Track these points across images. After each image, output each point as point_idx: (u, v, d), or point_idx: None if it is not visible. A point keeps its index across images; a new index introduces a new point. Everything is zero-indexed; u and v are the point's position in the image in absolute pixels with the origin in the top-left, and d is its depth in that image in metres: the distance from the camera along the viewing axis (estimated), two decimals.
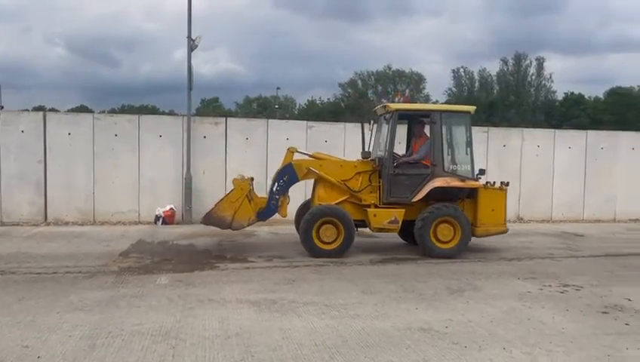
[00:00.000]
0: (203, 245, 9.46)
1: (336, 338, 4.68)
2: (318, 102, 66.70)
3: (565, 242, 10.51)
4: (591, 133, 15.14)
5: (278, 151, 12.85)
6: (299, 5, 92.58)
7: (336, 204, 8.73)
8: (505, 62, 65.28)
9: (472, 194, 8.93)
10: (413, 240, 9.07)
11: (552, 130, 15.58)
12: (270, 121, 13.78)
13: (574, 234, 11.46)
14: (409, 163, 8.86)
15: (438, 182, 8.58)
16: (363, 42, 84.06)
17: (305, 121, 14.01)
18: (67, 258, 8.14)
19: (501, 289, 6.60)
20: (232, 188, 8.76)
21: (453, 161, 8.91)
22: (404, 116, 9.20)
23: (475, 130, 14.46)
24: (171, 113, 39.08)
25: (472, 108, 9.28)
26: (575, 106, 56.35)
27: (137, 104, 61.62)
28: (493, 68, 68.69)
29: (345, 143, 13.21)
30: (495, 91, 64.19)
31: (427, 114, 9.01)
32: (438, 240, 8.56)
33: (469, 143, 9.03)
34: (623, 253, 9.36)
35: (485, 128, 14.72)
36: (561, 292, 6.45)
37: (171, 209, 12.28)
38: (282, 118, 43.20)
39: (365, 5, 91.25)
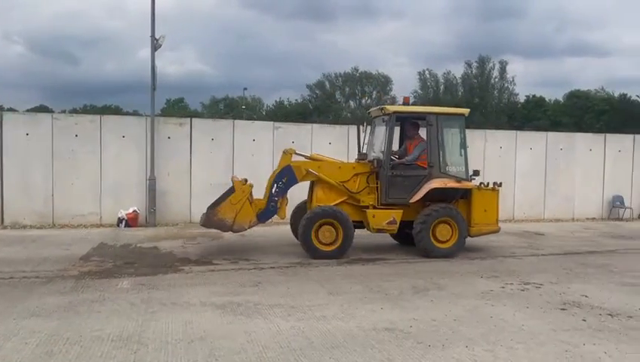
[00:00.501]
0: (167, 248, 9.30)
1: (301, 340, 4.66)
2: (286, 103, 66.59)
3: (527, 241, 10.77)
4: (551, 134, 15.58)
5: (245, 152, 12.85)
6: (266, 6, 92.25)
7: (335, 205, 8.76)
8: (469, 65, 66.56)
9: (466, 194, 9.13)
10: (406, 241, 9.34)
11: (514, 131, 15.95)
12: (236, 121, 13.67)
13: (535, 233, 11.75)
14: (404, 164, 8.98)
15: (436, 183, 8.74)
16: (330, 43, 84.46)
17: (272, 122, 13.96)
18: (24, 262, 7.87)
19: (465, 287, 6.71)
20: (231, 188, 8.68)
21: (449, 163, 9.09)
22: (400, 118, 9.26)
23: None
24: (135, 113, 38.39)
25: (466, 111, 9.54)
26: (536, 109, 57.92)
27: (100, 104, 60.25)
28: (458, 70, 70.00)
29: (312, 144, 13.20)
30: (460, 93, 65.38)
31: (424, 116, 9.11)
32: (437, 240, 8.71)
33: (463, 145, 9.26)
34: (581, 251, 9.65)
35: None
36: (522, 290, 6.59)
37: (134, 211, 12.04)
38: (249, 118, 42.97)
39: (332, 6, 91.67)
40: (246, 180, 8.78)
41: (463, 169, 9.13)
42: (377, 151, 9.32)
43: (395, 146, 9.81)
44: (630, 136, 15.83)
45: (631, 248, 10.17)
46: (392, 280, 7.03)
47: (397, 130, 9.88)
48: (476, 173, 9.25)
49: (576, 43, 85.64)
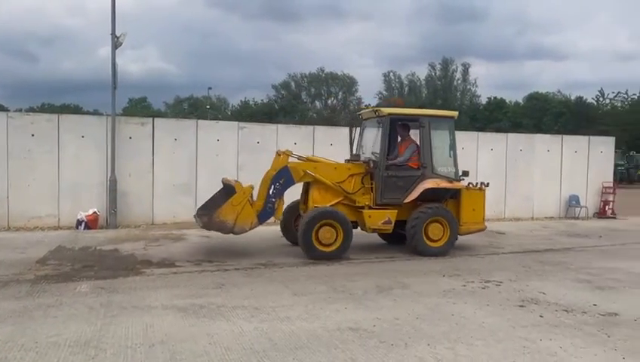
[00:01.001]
0: (128, 250, 9.10)
1: (264, 342, 4.64)
2: (251, 103, 66.18)
3: (488, 240, 10.99)
4: (511, 135, 15.96)
5: (209, 152, 12.70)
6: (231, 5, 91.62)
7: (331, 205, 8.83)
8: (433, 67, 67.75)
9: (455, 194, 9.37)
10: (394, 240, 9.60)
11: (476, 132, 16.29)
12: (200, 121, 13.48)
13: (496, 232, 12.01)
14: (395, 165, 9.10)
15: (429, 184, 8.96)
16: (296, 44, 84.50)
17: (236, 122, 13.83)
18: None
19: (428, 286, 6.80)
20: (221, 189, 8.75)
21: (440, 163, 9.31)
22: (394, 120, 9.34)
23: None
24: (95, 113, 37.43)
25: (455, 114, 9.84)
26: (497, 110, 59.34)
27: (58, 103, 58.55)
28: (422, 72, 71.07)
29: (277, 145, 13.13)
30: (424, 95, 66.35)
31: (417, 118, 9.29)
32: (428, 239, 8.91)
33: (453, 146, 9.52)
34: (539, 249, 9.93)
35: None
36: (483, 288, 6.73)
37: (94, 213, 11.73)
38: (214, 118, 42.49)
39: (297, 7, 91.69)
40: (236, 181, 8.74)
41: (453, 169, 9.40)
42: (368, 153, 9.46)
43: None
44: (586, 138, 16.38)
45: (586, 246, 10.51)
46: (356, 280, 7.06)
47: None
48: (465, 173, 9.50)
49: (535, 47, 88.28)
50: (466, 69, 66.11)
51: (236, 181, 8.66)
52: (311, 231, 8.39)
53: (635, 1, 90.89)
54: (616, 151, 18.53)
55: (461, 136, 15.31)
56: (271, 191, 8.63)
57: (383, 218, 8.89)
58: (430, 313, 5.59)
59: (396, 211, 8.97)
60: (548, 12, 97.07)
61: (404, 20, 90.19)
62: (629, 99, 66.93)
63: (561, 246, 10.43)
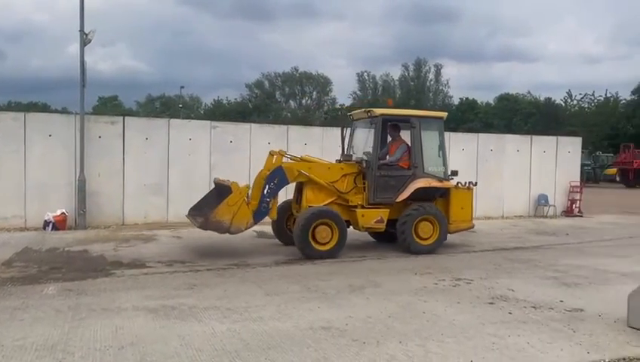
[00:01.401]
0: (98, 251, 8.93)
1: (237, 342, 4.61)
2: (225, 102, 65.70)
3: (459, 238, 11.09)
4: (482, 135, 16.22)
5: (181, 152, 12.55)
6: (203, 3, 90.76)
7: (324, 205, 8.91)
8: (406, 67, 68.36)
9: (444, 193, 9.55)
10: (383, 238, 9.82)
11: (448, 133, 16.48)
12: (172, 120, 13.33)
13: (467, 231, 12.16)
14: (387, 165, 9.26)
15: (421, 183, 9.13)
16: (269, 43, 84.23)
17: (209, 121, 13.72)
18: None
19: (400, 284, 6.86)
20: (213, 189, 8.95)
21: (431, 163, 9.47)
22: (386, 121, 9.45)
23: None
24: (64, 111, 36.62)
25: (444, 114, 10.08)
26: (469, 111, 60.27)
27: (25, 101, 57.08)
28: (396, 73, 71.67)
29: (251, 144, 13.10)
30: (397, 95, 66.86)
31: (408, 119, 9.42)
32: (419, 237, 9.08)
33: (442, 146, 9.72)
34: (509, 248, 10.11)
35: None
36: (454, 286, 6.82)
37: (63, 213, 11.47)
38: (187, 117, 42.03)
39: (270, 6, 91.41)
40: (232, 182, 8.70)
41: (443, 169, 9.61)
42: (359, 153, 9.57)
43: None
44: (554, 138, 16.75)
45: (554, 244, 10.76)
46: (329, 280, 7.08)
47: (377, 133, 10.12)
48: (454, 173, 9.73)
49: (506, 49, 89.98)
50: (438, 69, 66.95)
51: (232, 181, 8.63)
52: (308, 230, 8.44)
53: (600, 6, 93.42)
54: (583, 152, 19.01)
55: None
56: (265, 191, 8.65)
57: (376, 217, 9.03)
58: (402, 311, 5.64)
59: (388, 210, 9.10)
60: (518, 15, 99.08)
61: (377, 21, 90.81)
62: (596, 100, 68.65)
63: (530, 244, 10.65)
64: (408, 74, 67.39)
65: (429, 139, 9.60)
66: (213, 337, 4.73)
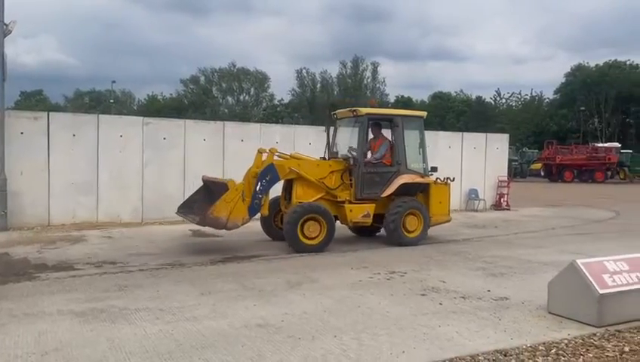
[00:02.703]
0: (20, 254, 8.44)
1: (169, 343, 4.50)
2: (159, 97, 63.90)
3: None
4: None
5: (111, 149, 12.07)
6: None
7: (314, 201, 9.18)
8: (344, 65, 69.00)
9: (424, 188, 10.03)
10: (363, 232, 10.30)
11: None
12: (101, 116, 12.75)
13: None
14: (372, 163, 9.64)
15: (405, 179, 9.61)
16: (205, 38, 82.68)
17: (141, 117, 13.28)
18: None
19: (336, 279, 6.93)
20: (201, 187, 9.34)
21: (412, 160, 9.94)
22: (371, 120, 9.84)
23: (315, 129, 15.12)
24: None
25: (424, 114, 10.56)
26: (405, 108, 61.68)
27: None
28: (334, 70, 72.29)
29: (185, 140, 12.81)
30: (335, 93, 67.43)
31: (391, 118, 9.91)
32: (405, 230, 9.53)
33: (422, 144, 10.20)
34: (441, 241, 10.43)
35: (323, 127, 15.35)
36: (388, 279, 6.97)
37: None
38: (119, 113, 40.51)
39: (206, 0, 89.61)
40: (229, 179, 8.90)
41: (423, 165, 10.11)
42: (343, 150, 9.98)
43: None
44: (483, 135, 17.46)
45: (483, 236, 11.24)
46: (266, 277, 7.05)
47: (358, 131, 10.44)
48: (434, 169, 10.26)
49: (438, 48, 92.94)
50: (375, 68, 68.12)
51: (229, 179, 8.86)
52: (297, 225, 8.68)
53: (526, 9, 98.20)
54: (510, 148, 19.98)
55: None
56: (257, 188, 8.86)
57: (363, 212, 9.43)
58: (337, 305, 5.70)
59: (374, 205, 9.52)
60: (448, 16, 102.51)
61: (315, 18, 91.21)
62: (522, 99, 72.18)
63: (461, 236, 11.06)
64: (346, 71, 68.15)
65: (410, 137, 10.06)
66: (145, 339, 4.59)
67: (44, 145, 11.49)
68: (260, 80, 66.71)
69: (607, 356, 4.36)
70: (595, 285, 5.04)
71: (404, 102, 63.78)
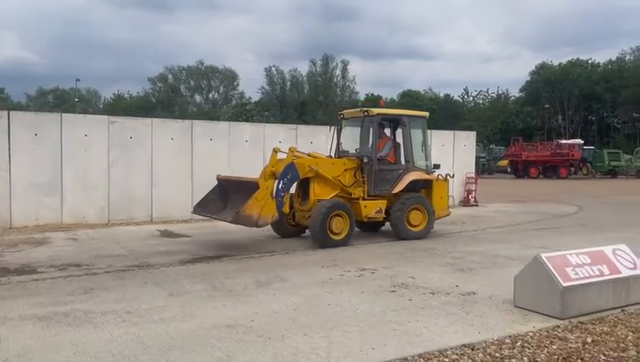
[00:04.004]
0: None
1: (136, 346, 4.41)
2: (126, 96, 62.73)
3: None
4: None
5: (75, 148, 11.77)
6: None
7: (330, 198, 9.51)
8: (314, 63, 68.99)
9: (427, 185, 10.51)
10: (368, 228, 10.75)
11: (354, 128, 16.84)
12: (64, 115, 12.42)
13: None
14: (383, 160, 10.07)
15: (414, 176, 10.12)
16: (172, 35, 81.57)
17: (106, 116, 12.99)
18: None
19: (306, 278, 6.92)
20: (216, 185, 9.63)
21: (418, 158, 10.41)
22: (383, 120, 10.35)
23: (285, 127, 15.09)
24: None
25: (426, 114, 11.05)
26: (375, 107, 62.01)
27: None
28: (304, 68, 72.20)
29: (152, 139, 12.59)
30: (306, 91, 67.37)
31: (400, 118, 10.38)
32: (410, 224, 9.98)
33: (425, 142, 10.68)
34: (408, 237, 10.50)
35: (294, 126, 15.40)
36: (359, 276, 7.00)
37: None
38: (84, 112, 39.57)
39: None
40: (258, 178, 9.16)
41: (427, 163, 10.58)
42: (349, 149, 10.40)
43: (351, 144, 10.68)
44: (451, 132, 17.71)
45: (452, 232, 11.37)
46: (235, 277, 6.99)
47: (359, 130, 10.76)
48: (437, 166, 10.75)
49: (406, 47, 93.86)
50: (345, 66, 68.34)
51: (259, 178, 9.12)
52: (326, 221, 9.03)
53: (491, 10, 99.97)
54: (477, 145, 20.32)
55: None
56: (280, 187, 9.05)
57: (376, 208, 9.89)
58: (308, 304, 5.69)
59: (386, 201, 9.97)
60: (416, 15, 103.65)
61: (283, 17, 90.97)
62: (489, 97, 73.50)
63: (430, 233, 11.15)
64: (316, 70, 68.18)
65: (415, 136, 10.47)
66: (111, 342, 4.49)
67: (5, 144, 11.12)
68: (229, 78, 66.17)
69: (571, 347, 4.47)
70: (559, 278, 5.17)
71: (373, 101, 64.15)
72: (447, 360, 4.20)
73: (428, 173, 10.46)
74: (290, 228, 10.09)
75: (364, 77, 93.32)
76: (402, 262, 7.98)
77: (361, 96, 68.59)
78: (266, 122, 38.80)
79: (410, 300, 5.86)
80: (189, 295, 6.07)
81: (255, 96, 68.60)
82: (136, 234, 10.58)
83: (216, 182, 9.81)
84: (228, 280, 6.81)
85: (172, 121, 14.43)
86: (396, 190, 10.02)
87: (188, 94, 65.06)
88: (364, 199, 9.85)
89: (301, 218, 9.82)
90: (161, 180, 12.59)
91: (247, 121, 50.18)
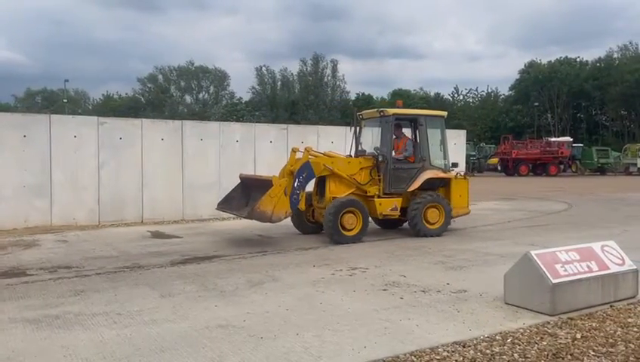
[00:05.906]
0: None
1: (127, 348, 4.40)
2: (115, 96, 62.35)
3: None
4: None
5: (65, 149, 11.70)
6: None
7: (346, 196, 9.75)
8: (304, 62, 68.93)
9: (445, 183, 10.62)
10: (387, 225, 11.00)
11: (344, 127, 16.85)
12: (53, 116, 12.33)
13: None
14: (399, 159, 10.28)
15: (429, 174, 10.28)
16: (161, 35, 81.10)
17: (95, 117, 12.91)
18: None
19: (298, 277, 6.93)
20: (239, 184, 10.12)
21: (435, 157, 10.60)
22: (398, 120, 10.54)
23: (276, 127, 15.08)
24: None
25: (444, 113, 11.22)
26: (365, 106, 62.15)
27: None
28: (294, 68, 72.17)
29: (142, 140, 12.53)
30: (296, 90, 67.29)
31: (416, 118, 10.64)
32: (427, 222, 10.11)
33: (443, 141, 10.82)
34: (402, 236, 10.51)
35: (285, 125, 15.38)
36: (350, 275, 7.02)
37: None
38: (73, 113, 39.29)
39: None
40: (273, 176, 9.42)
41: (445, 161, 10.74)
42: (368, 148, 10.52)
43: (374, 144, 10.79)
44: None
45: None
46: (227, 277, 6.97)
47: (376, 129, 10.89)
48: (455, 165, 10.95)
49: (396, 46, 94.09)
50: (335, 65, 68.34)
51: (273, 175, 9.39)
52: (338, 218, 9.30)
53: (478, 9, 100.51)
54: (468, 143, 20.39)
55: (330, 130, 15.89)
56: (296, 184, 9.34)
57: (391, 205, 10.11)
58: (300, 303, 5.70)
59: (401, 199, 10.19)
60: (405, 14, 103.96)
61: (272, 16, 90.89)
62: (479, 95, 73.84)
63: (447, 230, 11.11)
64: (306, 69, 68.12)
65: (433, 135, 10.69)
66: (102, 345, 4.47)
67: None
68: (220, 78, 65.98)
69: (561, 343, 4.51)
70: (549, 275, 5.21)
71: (364, 100, 64.30)
72: (438, 357, 4.22)
73: (445, 172, 10.59)
74: (309, 224, 10.44)
75: (355, 76, 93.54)
76: (393, 261, 8.00)
77: (352, 96, 68.63)
78: (257, 122, 38.71)
79: (401, 298, 5.88)
80: (181, 296, 6.05)
81: (245, 96, 68.45)
82: (127, 236, 10.52)
83: (239, 181, 10.35)
84: (219, 280, 6.79)
85: (162, 121, 14.37)
86: (411, 188, 10.22)
87: (178, 95, 64.81)
88: (379, 197, 10.05)
89: (319, 215, 10.08)
90: (151, 181, 12.53)
91: (237, 121, 50.04)
